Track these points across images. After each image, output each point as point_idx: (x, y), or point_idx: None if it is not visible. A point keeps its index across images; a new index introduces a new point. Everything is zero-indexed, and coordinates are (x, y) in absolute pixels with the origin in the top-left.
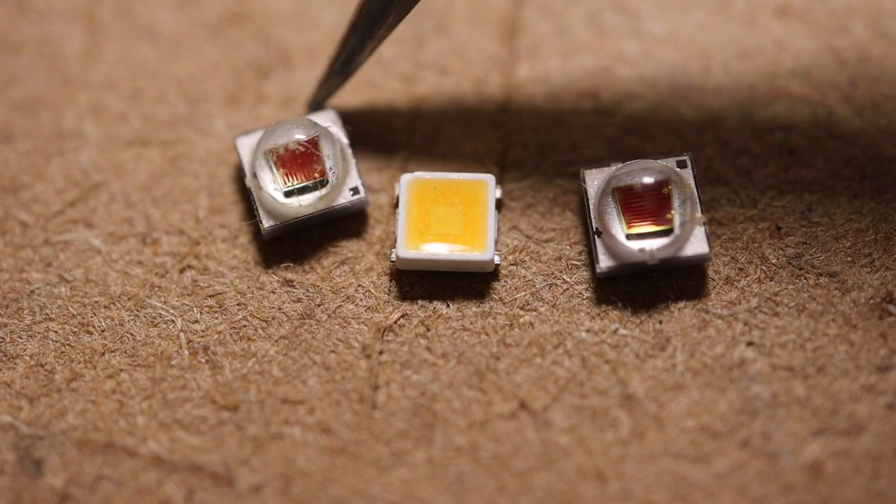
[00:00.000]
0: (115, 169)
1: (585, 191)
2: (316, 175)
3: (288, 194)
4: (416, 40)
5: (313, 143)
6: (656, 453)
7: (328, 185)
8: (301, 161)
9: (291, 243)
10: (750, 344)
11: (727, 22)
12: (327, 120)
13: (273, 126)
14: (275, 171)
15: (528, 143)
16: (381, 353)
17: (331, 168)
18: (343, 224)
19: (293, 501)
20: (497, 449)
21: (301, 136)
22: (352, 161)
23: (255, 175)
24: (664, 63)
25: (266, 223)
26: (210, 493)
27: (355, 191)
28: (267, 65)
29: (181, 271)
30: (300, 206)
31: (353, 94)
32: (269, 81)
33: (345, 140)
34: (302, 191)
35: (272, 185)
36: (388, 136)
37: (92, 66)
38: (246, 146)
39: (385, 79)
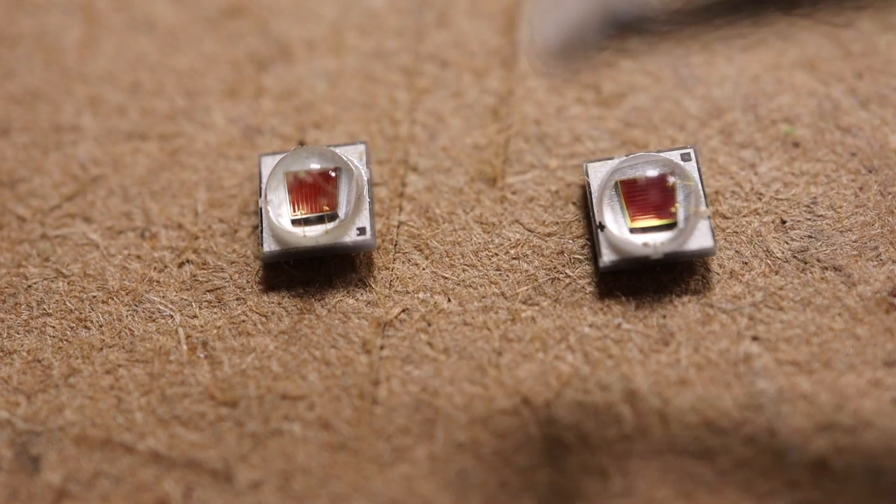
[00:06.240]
0: (114, 162)
1: (588, 184)
2: (324, 208)
3: (295, 223)
4: (418, 33)
5: (326, 176)
6: (660, 449)
7: (336, 220)
8: (311, 191)
9: None
10: (755, 339)
11: None
12: (354, 154)
13: (294, 151)
14: (286, 197)
15: (530, 136)
16: (381, 348)
17: (342, 204)
18: None
19: (293, 498)
20: (499, 445)
21: (315, 167)
22: (366, 200)
23: (266, 197)
24: (667, 55)
25: (267, 247)
26: (209, 489)
27: (362, 231)
28: (266, 58)
29: (180, 266)
30: (304, 236)
31: (356, 89)
32: (268, 74)
33: (365, 177)
34: (310, 222)
35: (281, 211)
36: (388, 128)
37: (90, 58)
38: (269, 166)
39: (386, 71)
